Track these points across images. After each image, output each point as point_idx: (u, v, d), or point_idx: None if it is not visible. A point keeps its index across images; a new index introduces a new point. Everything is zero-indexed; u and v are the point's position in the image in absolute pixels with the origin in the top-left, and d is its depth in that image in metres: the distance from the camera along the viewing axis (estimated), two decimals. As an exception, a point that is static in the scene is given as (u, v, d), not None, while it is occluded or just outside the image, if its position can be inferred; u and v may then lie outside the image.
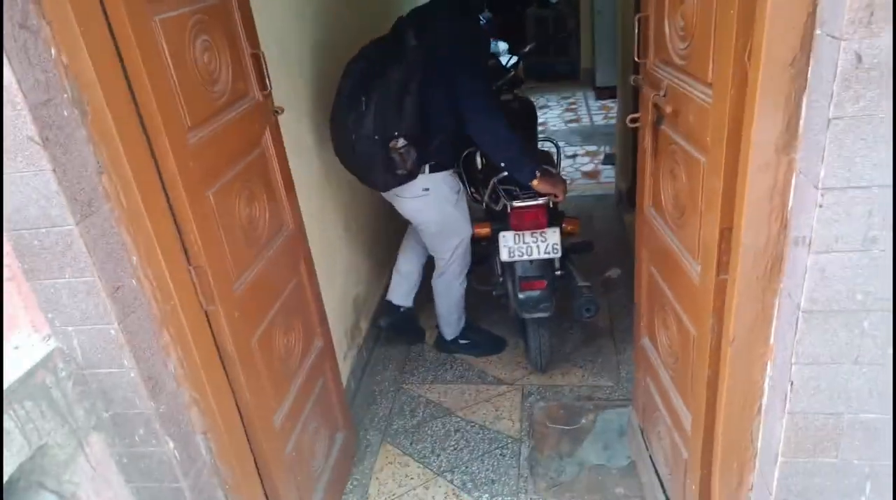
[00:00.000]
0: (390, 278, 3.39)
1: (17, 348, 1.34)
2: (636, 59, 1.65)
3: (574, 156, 5.28)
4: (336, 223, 2.69)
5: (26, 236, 1.22)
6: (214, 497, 1.61)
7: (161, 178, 1.38)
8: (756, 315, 1.25)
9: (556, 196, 2.39)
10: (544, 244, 2.44)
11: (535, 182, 2.29)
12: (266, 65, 1.77)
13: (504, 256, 2.48)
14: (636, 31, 1.60)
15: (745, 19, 1.08)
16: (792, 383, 1.18)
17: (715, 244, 1.30)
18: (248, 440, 1.70)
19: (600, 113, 6.34)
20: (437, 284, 2.77)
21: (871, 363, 1.14)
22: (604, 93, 6.56)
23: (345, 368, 2.64)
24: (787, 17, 0.99)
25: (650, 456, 2.04)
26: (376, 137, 2.16)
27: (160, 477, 1.49)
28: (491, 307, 3.06)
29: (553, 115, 6.44)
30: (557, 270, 2.63)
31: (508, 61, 3.27)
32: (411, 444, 2.47)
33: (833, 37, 0.93)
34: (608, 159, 4.99)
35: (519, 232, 2.43)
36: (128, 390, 1.38)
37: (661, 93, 1.52)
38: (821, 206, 1.02)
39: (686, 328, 1.56)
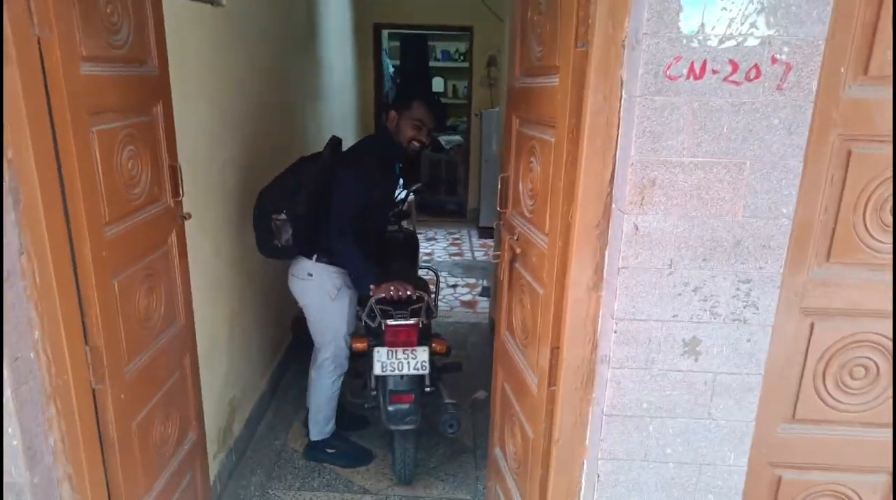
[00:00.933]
0: (268, 385, 3.49)
1: None
2: (498, 208, 2.03)
3: (455, 286, 5.68)
4: (222, 326, 2.82)
5: (-60, 303, 1.33)
6: (68, 581, 1.63)
7: (74, 263, 1.54)
8: (575, 420, 1.54)
9: (398, 295, 2.64)
10: (414, 361, 2.66)
11: (372, 287, 2.64)
12: (181, 176, 2.00)
13: (377, 370, 2.67)
14: (499, 187, 1.99)
15: (568, 191, 1.46)
16: (598, 476, 1.47)
17: (547, 361, 1.61)
18: (111, 524, 1.74)
19: (482, 249, 6.89)
20: (312, 374, 2.95)
21: (655, 461, 1.45)
22: (486, 232, 7.15)
23: (213, 468, 2.67)
24: (592, 195, 1.38)
25: (495, 562, 2.22)
26: (267, 208, 2.65)
27: (20, 553, 1.51)
28: (361, 421, 3.20)
29: (439, 247, 6.92)
30: (428, 386, 2.82)
31: (398, 195, 3.64)
32: (270, 548, 2.50)
33: (621, 211, 1.31)
34: (485, 291, 5.42)
35: (392, 348, 2.65)
36: (6, 459, 1.44)
37: (515, 237, 1.88)
38: (615, 332, 1.36)
39: (527, 434, 1.83)
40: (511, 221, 1.96)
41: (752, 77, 1.21)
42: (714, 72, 1.21)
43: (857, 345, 1.42)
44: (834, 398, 1.47)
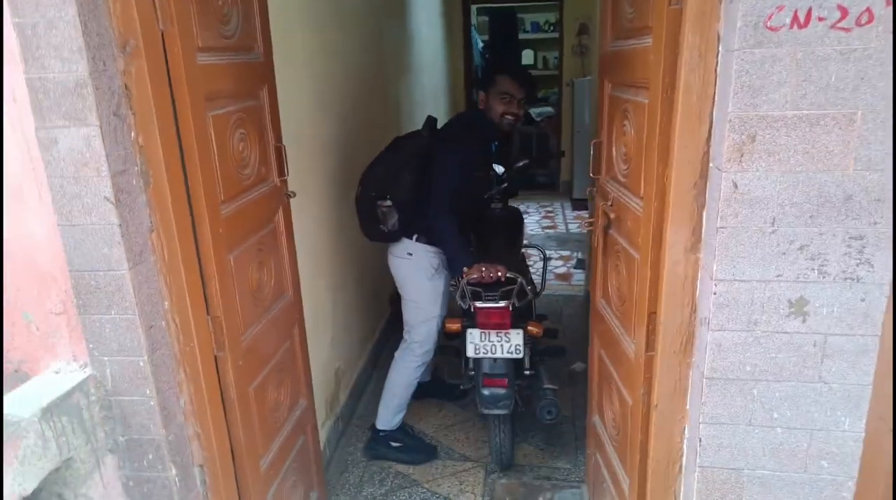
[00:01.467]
0: (369, 357, 3.63)
1: (57, 372, 1.58)
2: (591, 175, 2.02)
3: (549, 258, 5.66)
4: (326, 300, 2.97)
5: (86, 277, 1.50)
6: (202, 528, 1.80)
7: (196, 239, 1.67)
8: (674, 384, 1.53)
9: (490, 277, 2.52)
10: (507, 344, 2.58)
11: (465, 269, 2.54)
12: (286, 156, 2.12)
13: (470, 351, 2.62)
14: (591, 153, 1.98)
15: (663, 152, 1.44)
16: (700, 440, 1.46)
17: (644, 326, 1.60)
18: (236, 478, 1.90)
19: (575, 222, 6.80)
20: (397, 357, 2.92)
21: (761, 425, 1.42)
22: (579, 204, 7.05)
23: (322, 434, 2.83)
24: (688, 154, 1.35)
25: (597, 527, 2.24)
26: (372, 194, 2.64)
27: (159, 502, 1.69)
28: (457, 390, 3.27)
29: (532, 221, 6.88)
30: (527, 369, 2.76)
31: (503, 174, 3.51)
32: (379, 509, 2.64)
33: (718, 169, 1.28)
34: (579, 264, 5.37)
35: (485, 331, 2.59)
36: (145, 417, 1.61)
37: (609, 203, 1.87)
38: (715, 294, 1.34)
39: (625, 400, 1.83)
40: (605, 187, 1.95)
41: (863, 22, 1.15)
42: (820, 19, 1.16)
43: None
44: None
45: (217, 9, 1.71)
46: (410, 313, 2.86)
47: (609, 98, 1.91)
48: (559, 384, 2.83)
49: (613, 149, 1.85)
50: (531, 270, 3.69)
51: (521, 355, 2.59)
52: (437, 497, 2.71)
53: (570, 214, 7.16)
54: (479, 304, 2.53)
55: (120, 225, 1.45)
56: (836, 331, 1.32)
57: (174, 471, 1.67)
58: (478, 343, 2.60)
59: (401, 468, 2.90)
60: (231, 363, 1.80)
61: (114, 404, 1.61)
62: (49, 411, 1.44)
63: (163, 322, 1.62)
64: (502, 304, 2.51)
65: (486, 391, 2.62)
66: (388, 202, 2.61)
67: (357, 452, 3.03)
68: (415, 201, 2.63)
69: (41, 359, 1.60)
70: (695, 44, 1.30)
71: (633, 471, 1.77)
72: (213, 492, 1.80)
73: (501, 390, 2.60)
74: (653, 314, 1.57)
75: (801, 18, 1.16)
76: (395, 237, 2.73)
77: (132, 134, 1.47)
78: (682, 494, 1.61)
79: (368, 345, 3.68)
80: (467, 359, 2.80)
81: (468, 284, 2.55)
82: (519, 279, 2.51)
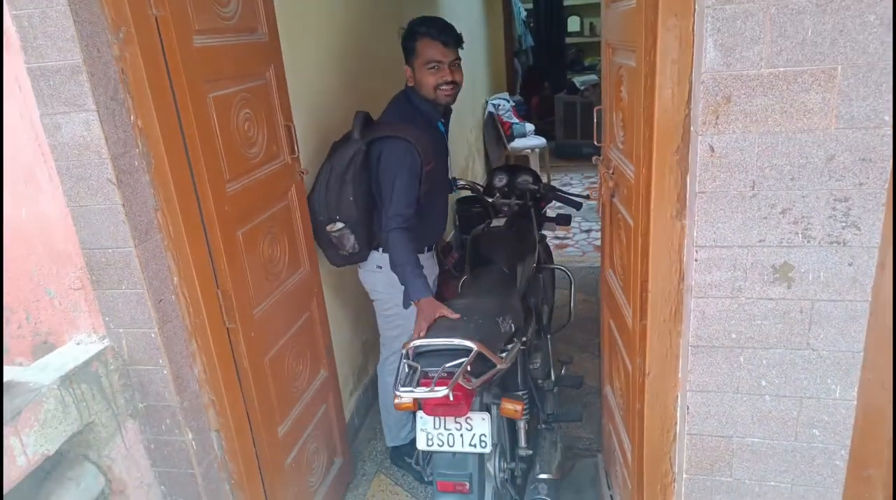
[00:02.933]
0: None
1: (78, 343, 1.70)
2: (595, 143, 1.99)
3: (588, 231, 5.59)
4: (348, 273, 3.03)
5: (97, 254, 1.59)
6: (221, 489, 1.90)
7: (202, 217, 1.74)
8: (665, 352, 1.52)
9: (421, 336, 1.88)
10: (469, 434, 1.83)
11: (414, 302, 2.09)
12: (295, 134, 2.17)
13: (421, 442, 1.88)
14: (595, 120, 1.95)
15: (648, 117, 1.41)
16: (688, 408, 1.45)
17: (638, 294, 1.59)
18: (254, 444, 1.99)
19: (621, 192, 6.70)
20: (379, 372, 2.64)
21: (749, 393, 1.39)
22: (625, 174, 6.93)
23: (350, 403, 2.92)
24: (669, 118, 1.33)
25: (610, 496, 2.25)
26: (320, 218, 2.28)
27: (178, 464, 1.79)
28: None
29: (574, 192, 6.80)
30: (523, 448, 2.09)
31: (537, 189, 2.97)
32: (403, 476, 2.71)
33: (696, 132, 1.25)
34: (621, 235, 5.30)
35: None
36: (160, 385, 1.71)
37: (611, 171, 1.85)
38: (696, 260, 1.32)
39: (627, 369, 1.83)
40: (608, 155, 1.92)
41: (838, -29, 1.10)
42: (793, -29, 1.11)
43: None
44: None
45: (214, -9, 1.76)
46: (385, 328, 2.54)
47: (609, 63, 1.87)
48: (561, 481, 2.20)
49: (613, 116, 1.82)
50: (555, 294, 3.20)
51: (486, 449, 1.83)
52: (462, 465, 2.76)
53: (615, 183, 7.05)
54: (418, 390, 1.66)
55: (123, 205, 1.53)
56: (823, 297, 1.28)
57: (190, 436, 1.77)
58: (430, 431, 1.87)
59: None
60: (243, 335, 1.88)
61: (131, 372, 1.71)
62: (68, 379, 1.55)
63: (172, 296, 1.71)
64: (441, 392, 1.62)
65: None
66: (339, 225, 2.26)
67: (386, 421, 3.11)
68: (367, 215, 2.30)
69: (65, 332, 1.71)
70: (671, 2, 1.27)
71: (633, 438, 1.77)
72: (230, 456, 1.90)
73: (461, 498, 1.86)
74: (645, 282, 1.55)
75: (773, -29, 1.11)
76: (360, 257, 2.40)
77: (131, 117, 1.55)
78: (675, 461, 1.60)
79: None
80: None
81: (409, 354, 1.77)
82: (473, 349, 1.69)
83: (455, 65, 2.26)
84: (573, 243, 5.40)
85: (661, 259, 1.45)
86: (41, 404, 1.49)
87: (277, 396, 2.08)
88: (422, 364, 1.72)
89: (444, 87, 2.24)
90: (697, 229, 1.30)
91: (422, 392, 1.65)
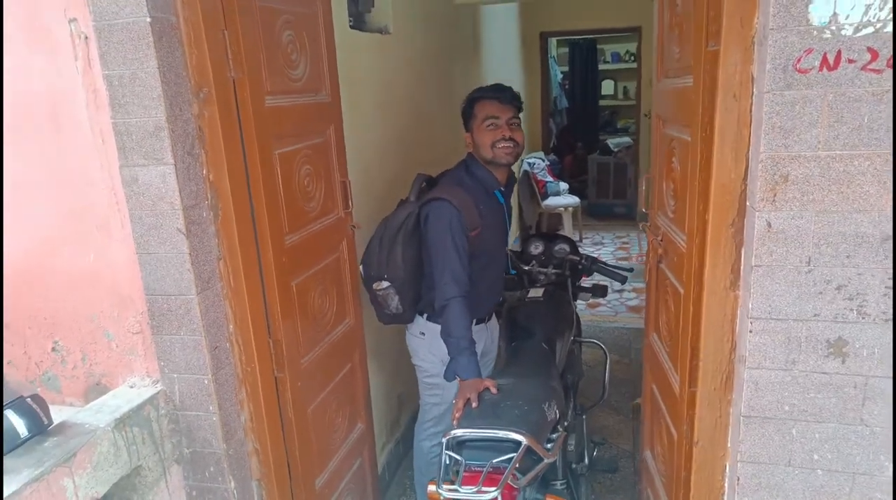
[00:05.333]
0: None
1: (132, 386, 1.74)
2: (643, 209, 2.03)
3: (621, 291, 5.58)
4: (391, 327, 3.06)
5: (159, 300, 1.65)
6: (259, 539, 1.91)
7: (261, 267, 1.81)
8: (715, 421, 1.52)
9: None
10: None
11: (459, 380, 2.01)
12: (350, 190, 2.25)
13: None
14: (644, 188, 1.99)
15: (703, 190, 1.45)
16: (738, 479, 1.43)
17: (687, 361, 1.60)
18: (292, 496, 2.00)
19: (652, 254, 6.71)
20: (417, 431, 2.54)
21: (801, 466, 1.38)
22: (657, 236, 6.95)
23: (382, 457, 2.91)
24: (725, 193, 1.37)
25: (649, 567, 2.20)
26: (371, 274, 2.26)
27: (220, 512, 1.81)
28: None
29: (606, 251, 6.81)
30: (559, 480, 2.06)
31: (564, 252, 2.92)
32: (433, 535, 2.68)
33: (753, 208, 1.29)
34: (653, 297, 5.28)
35: None
36: (208, 432, 1.74)
37: (659, 238, 1.88)
38: (751, 331, 1.34)
39: (672, 435, 1.82)
40: (656, 222, 1.96)
41: (894, 63, 1.14)
42: (850, 61, 1.16)
43: None
44: None
45: (286, 55, 1.87)
46: (425, 391, 2.45)
47: (660, 135, 1.93)
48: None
49: (663, 184, 1.86)
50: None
51: None
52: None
53: (645, 245, 7.05)
54: (461, 490, 1.58)
55: (190, 254, 1.60)
56: (878, 373, 1.28)
57: (233, 484, 1.79)
58: None
59: (458, 495, 2.93)
60: (290, 384, 1.92)
61: (180, 418, 1.75)
62: (122, 422, 1.59)
63: (227, 344, 1.76)
64: (488, 495, 1.55)
65: None
66: (385, 284, 2.22)
67: (416, 476, 3.09)
68: (414, 278, 2.24)
69: (119, 374, 1.76)
70: (730, 85, 1.32)
71: (679, 509, 1.75)
72: (270, 506, 1.91)
73: None
74: (695, 350, 1.56)
75: (831, 61, 1.16)
76: (405, 319, 2.34)
77: (203, 171, 1.63)
78: (725, 535, 1.58)
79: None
80: None
81: (449, 445, 1.67)
82: (523, 443, 1.62)
83: (513, 123, 2.19)
84: (605, 303, 5.38)
85: (714, 328, 1.46)
86: (95, 447, 1.53)
87: (318, 448, 2.10)
88: (465, 457, 1.65)
89: (501, 144, 2.15)
90: (753, 301, 1.32)
91: (468, 493, 1.56)
